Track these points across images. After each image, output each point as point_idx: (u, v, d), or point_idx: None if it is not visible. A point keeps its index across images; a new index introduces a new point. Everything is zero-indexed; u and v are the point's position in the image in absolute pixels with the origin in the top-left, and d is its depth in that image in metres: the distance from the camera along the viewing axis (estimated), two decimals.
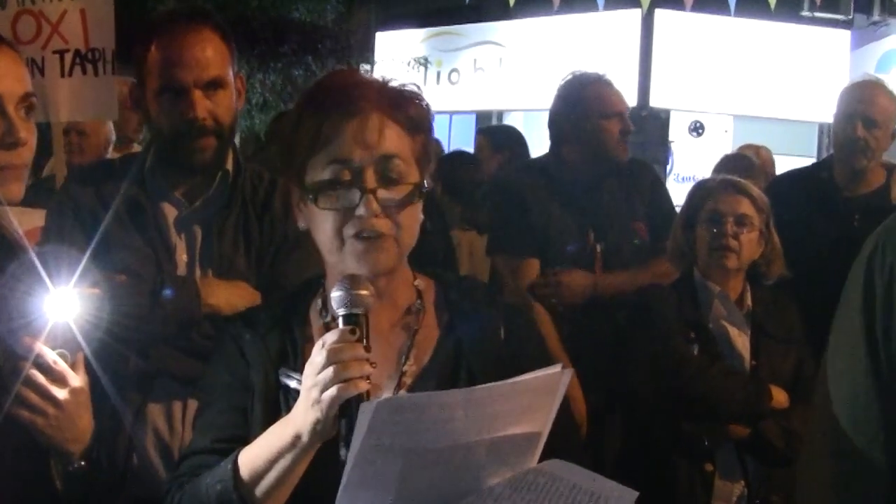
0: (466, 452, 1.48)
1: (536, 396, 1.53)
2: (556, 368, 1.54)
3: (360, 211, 1.67)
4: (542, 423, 1.56)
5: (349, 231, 1.69)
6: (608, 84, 3.99)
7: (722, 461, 3.23)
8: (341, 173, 1.69)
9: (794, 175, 4.64)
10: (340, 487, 1.46)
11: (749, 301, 3.40)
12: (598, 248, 3.89)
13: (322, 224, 1.72)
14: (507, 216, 4.03)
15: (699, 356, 3.27)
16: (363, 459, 1.43)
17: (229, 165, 2.65)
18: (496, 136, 6.65)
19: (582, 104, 3.90)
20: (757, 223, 3.41)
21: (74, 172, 3.43)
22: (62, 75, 3.70)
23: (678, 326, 3.32)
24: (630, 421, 3.51)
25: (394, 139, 1.71)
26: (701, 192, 3.52)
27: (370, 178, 1.68)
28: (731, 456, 3.24)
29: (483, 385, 1.50)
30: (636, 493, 1.47)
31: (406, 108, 1.74)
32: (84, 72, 3.70)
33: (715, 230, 3.38)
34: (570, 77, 4.01)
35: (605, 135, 3.87)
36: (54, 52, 3.69)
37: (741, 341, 3.33)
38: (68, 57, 3.69)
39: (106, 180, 2.63)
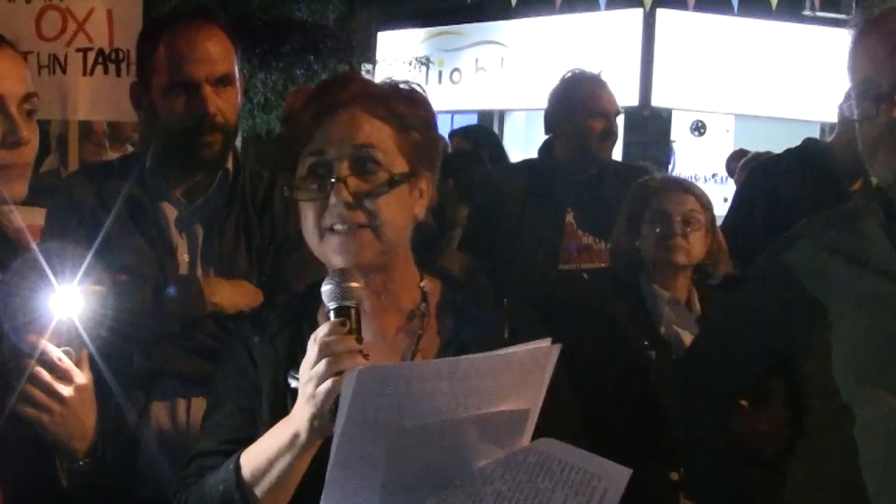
0: (455, 431, 1.47)
1: (524, 371, 1.52)
2: (546, 342, 1.54)
3: (332, 200, 1.69)
4: (531, 399, 1.54)
5: (325, 223, 1.70)
6: (600, 84, 4.05)
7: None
8: (318, 166, 1.72)
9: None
10: (329, 466, 1.46)
11: (697, 304, 3.36)
12: (603, 244, 3.91)
13: (304, 218, 1.75)
14: (480, 218, 4.11)
15: (657, 362, 3.22)
16: (349, 435, 1.42)
17: (229, 165, 2.65)
18: (475, 135, 6.68)
19: (571, 102, 3.99)
20: (703, 221, 3.36)
21: (74, 173, 3.43)
22: (84, 74, 3.71)
23: (631, 333, 3.28)
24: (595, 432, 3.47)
25: (368, 131, 1.72)
26: (644, 191, 3.46)
27: (342, 169, 1.70)
28: None
29: (467, 356, 1.50)
30: (629, 471, 1.45)
31: (391, 104, 1.75)
32: (106, 71, 3.72)
33: (662, 229, 3.33)
34: (568, 75, 4.10)
35: (589, 133, 3.94)
36: (77, 50, 3.70)
37: None
38: (91, 55, 3.71)
39: (106, 181, 2.63)
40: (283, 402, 1.75)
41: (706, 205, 3.39)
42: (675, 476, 3.15)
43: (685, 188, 3.42)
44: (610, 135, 3.99)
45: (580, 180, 4.00)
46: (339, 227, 1.70)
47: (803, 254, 2.11)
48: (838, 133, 4.26)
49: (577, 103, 3.97)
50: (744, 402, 3.19)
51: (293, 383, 1.75)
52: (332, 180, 1.69)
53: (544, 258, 3.93)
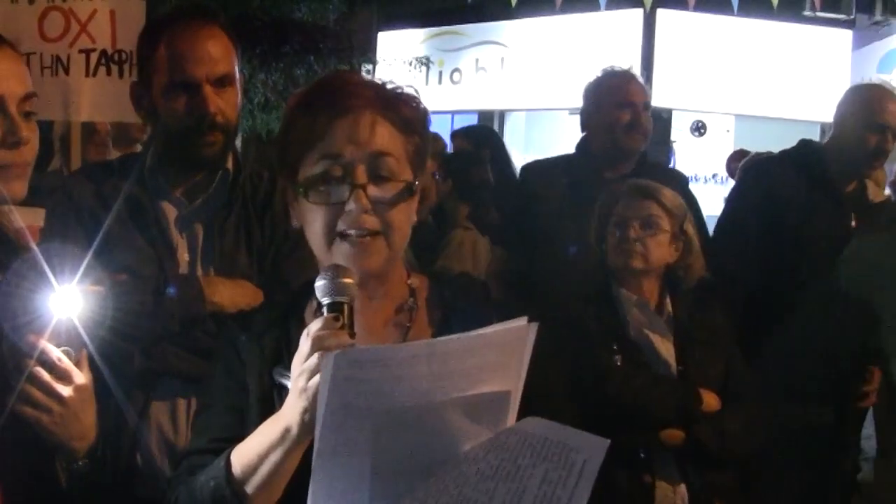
0: (438, 415, 1.47)
1: (503, 352, 1.52)
2: (522, 321, 1.54)
3: (350, 206, 1.68)
4: (511, 381, 1.54)
5: (339, 227, 1.70)
6: (628, 77, 4.12)
7: (661, 470, 3.16)
8: (332, 169, 1.70)
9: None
10: (314, 455, 1.46)
11: (669, 307, 3.33)
12: None
13: (313, 220, 1.73)
14: (517, 213, 4.12)
15: (623, 366, 3.22)
16: (332, 421, 1.42)
17: (229, 164, 2.66)
18: (476, 135, 6.68)
19: (599, 96, 4.06)
20: (666, 226, 3.33)
21: (73, 173, 3.43)
22: (86, 75, 3.71)
23: (600, 338, 3.26)
24: None
25: (385, 137, 1.72)
26: (611, 197, 3.46)
27: (360, 174, 1.69)
28: (670, 464, 3.17)
29: (444, 337, 1.50)
30: (607, 441, 1.45)
31: (399, 109, 1.76)
32: (108, 73, 3.72)
33: (619, 233, 3.33)
34: (599, 73, 4.17)
35: (614, 123, 3.99)
36: (80, 52, 3.70)
37: (665, 348, 3.27)
38: (94, 56, 3.71)
39: (105, 180, 2.63)
40: (271, 398, 1.76)
41: (671, 210, 3.36)
42: (647, 478, 3.13)
43: (647, 193, 3.40)
44: (637, 125, 4.02)
45: (613, 180, 3.97)
46: (352, 233, 1.69)
47: (890, 248, 2.13)
48: (833, 135, 4.27)
49: (605, 96, 4.04)
50: (713, 403, 3.19)
51: (280, 380, 1.76)
52: (351, 186, 1.69)
53: (580, 258, 3.88)
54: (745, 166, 6.16)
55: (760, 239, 3.96)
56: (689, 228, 3.40)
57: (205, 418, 1.83)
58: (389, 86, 1.78)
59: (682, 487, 3.16)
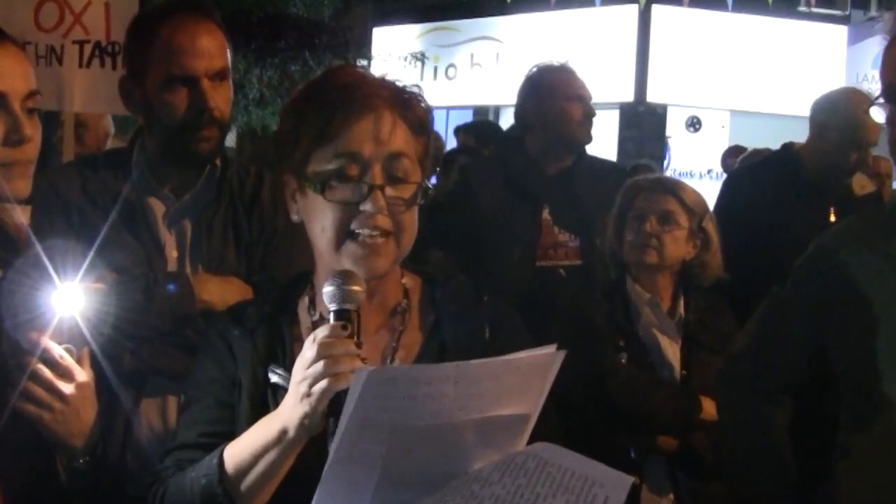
0: (454, 433, 1.47)
1: (528, 377, 1.52)
2: (550, 349, 1.53)
3: (367, 206, 1.67)
4: (531, 405, 1.54)
5: (353, 227, 1.68)
6: (570, 71, 4.10)
7: (650, 475, 3.14)
8: (348, 167, 1.68)
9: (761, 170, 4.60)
10: (326, 464, 1.45)
11: (682, 310, 3.30)
12: (572, 241, 3.92)
13: (322, 218, 1.71)
14: (455, 212, 4.10)
15: (627, 365, 3.19)
16: (351, 434, 1.42)
17: (217, 160, 2.64)
18: (480, 131, 6.67)
19: (545, 90, 4.03)
20: (684, 222, 3.30)
21: (59, 168, 3.39)
22: (80, 66, 3.70)
23: (608, 334, 3.24)
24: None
25: (403, 138, 1.71)
26: (631, 191, 3.43)
27: (378, 175, 1.68)
28: (661, 469, 3.15)
29: (476, 360, 1.49)
30: (632, 479, 1.45)
31: (413, 109, 1.75)
32: (102, 64, 3.71)
33: (637, 227, 3.31)
34: (534, 69, 4.16)
35: (567, 117, 3.96)
36: (74, 42, 3.69)
37: (672, 350, 3.25)
38: (88, 48, 3.70)
39: (91, 176, 2.60)
40: (264, 397, 1.75)
41: (690, 207, 3.33)
42: (636, 481, 3.05)
43: (667, 188, 3.37)
44: (589, 119, 4.01)
45: (554, 175, 4.00)
46: (365, 234, 1.67)
47: (846, 251, 2.15)
48: (816, 142, 4.26)
49: (552, 90, 4.01)
50: (713, 412, 3.14)
51: (275, 378, 1.75)
52: (369, 186, 1.67)
53: (521, 254, 3.92)
54: (746, 164, 6.16)
55: (745, 242, 3.96)
56: (709, 226, 3.37)
57: (193, 412, 1.81)
58: (399, 83, 1.77)
59: (671, 495, 3.13)
